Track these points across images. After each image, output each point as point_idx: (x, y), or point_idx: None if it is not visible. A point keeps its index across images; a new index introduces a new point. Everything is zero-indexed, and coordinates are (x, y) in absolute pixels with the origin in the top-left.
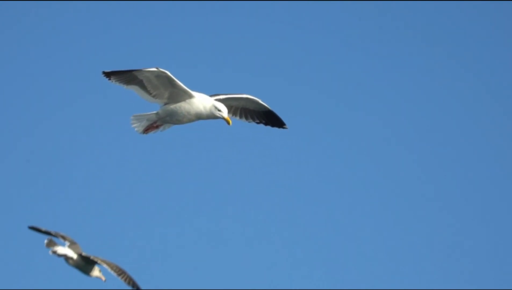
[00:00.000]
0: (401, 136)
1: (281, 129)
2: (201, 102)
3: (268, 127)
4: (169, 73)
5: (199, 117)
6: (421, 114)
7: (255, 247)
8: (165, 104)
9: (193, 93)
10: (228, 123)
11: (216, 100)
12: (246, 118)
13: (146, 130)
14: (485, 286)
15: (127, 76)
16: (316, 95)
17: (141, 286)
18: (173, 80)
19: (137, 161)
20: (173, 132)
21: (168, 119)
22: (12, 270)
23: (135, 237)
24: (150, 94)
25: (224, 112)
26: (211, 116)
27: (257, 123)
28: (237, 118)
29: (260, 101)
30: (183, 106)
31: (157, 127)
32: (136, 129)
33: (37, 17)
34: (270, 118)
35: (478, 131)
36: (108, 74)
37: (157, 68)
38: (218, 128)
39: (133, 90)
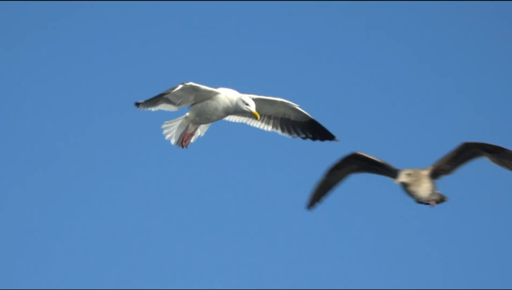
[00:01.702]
0: (404, 136)
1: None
2: (227, 96)
3: (318, 142)
4: (194, 84)
5: (227, 112)
6: (423, 114)
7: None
8: (192, 104)
9: (218, 89)
10: (256, 117)
11: None
12: (289, 132)
13: (183, 142)
14: (485, 286)
15: (155, 101)
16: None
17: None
18: (197, 87)
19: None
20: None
21: (198, 119)
22: (11, 270)
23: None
24: (174, 104)
25: (252, 106)
26: (239, 110)
27: (303, 138)
28: (279, 131)
29: (297, 107)
30: (210, 103)
31: (192, 134)
32: (170, 141)
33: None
34: (316, 130)
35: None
36: (138, 104)
37: (183, 83)
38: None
39: (161, 108)
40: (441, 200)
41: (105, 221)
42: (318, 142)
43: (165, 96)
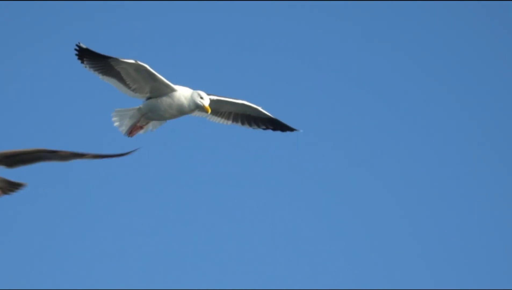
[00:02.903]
0: (402, 137)
1: (294, 133)
2: (182, 94)
3: (278, 133)
4: (148, 67)
5: (181, 110)
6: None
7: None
8: (147, 98)
9: (175, 86)
10: (207, 111)
11: None
12: (250, 125)
13: (131, 132)
14: (485, 286)
15: (102, 64)
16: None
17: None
18: (153, 74)
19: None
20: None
21: (150, 115)
22: (11, 270)
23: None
24: (129, 88)
25: (206, 100)
26: (192, 105)
27: (264, 129)
28: (239, 124)
29: (260, 109)
30: (165, 100)
31: (141, 127)
32: (119, 129)
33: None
34: (277, 125)
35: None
36: (82, 52)
37: (135, 60)
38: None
39: (110, 82)
40: (12, 187)
41: (103, 223)
42: (279, 133)
43: (117, 68)
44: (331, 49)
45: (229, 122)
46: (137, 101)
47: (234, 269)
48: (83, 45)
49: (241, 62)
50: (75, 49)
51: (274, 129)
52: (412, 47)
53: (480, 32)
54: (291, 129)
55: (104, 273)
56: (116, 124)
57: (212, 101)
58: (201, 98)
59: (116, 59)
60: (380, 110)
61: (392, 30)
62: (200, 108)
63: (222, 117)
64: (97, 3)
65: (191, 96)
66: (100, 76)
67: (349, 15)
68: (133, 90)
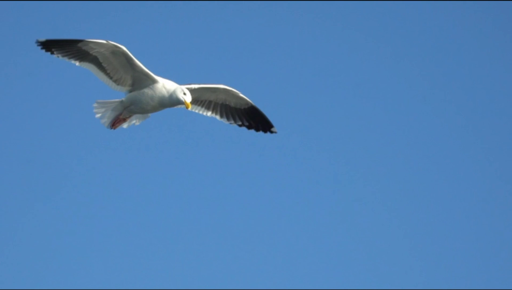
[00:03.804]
0: (399, 137)
1: (268, 134)
2: (164, 86)
3: (252, 132)
4: (124, 48)
5: (162, 103)
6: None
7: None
8: (130, 91)
9: (157, 77)
10: (187, 107)
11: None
12: (227, 118)
13: (113, 124)
14: (485, 286)
15: (73, 50)
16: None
17: None
18: (131, 59)
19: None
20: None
21: (132, 108)
22: (12, 270)
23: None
24: (111, 78)
25: (188, 96)
26: (175, 100)
27: (239, 125)
28: (218, 116)
29: (240, 94)
30: (146, 92)
31: (124, 120)
32: (101, 121)
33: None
34: (255, 118)
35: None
36: (45, 45)
37: (107, 41)
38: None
39: (89, 69)
40: None
41: (103, 223)
42: (253, 132)
43: (92, 53)
44: (330, 50)
45: (209, 113)
46: (121, 94)
47: (232, 269)
48: (42, 39)
49: (239, 63)
50: (37, 45)
51: (249, 127)
52: (411, 48)
53: (479, 33)
54: (267, 126)
55: (103, 273)
56: (97, 115)
57: (193, 90)
58: (184, 94)
59: (83, 41)
60: (380, 111)
61: (390, 31)
62: (181, 103)
63: (202, 106)
64: (98, 3)
65: (175, 90)
66: (77, 63)
67: (348, 16)
68: (115, 81)
